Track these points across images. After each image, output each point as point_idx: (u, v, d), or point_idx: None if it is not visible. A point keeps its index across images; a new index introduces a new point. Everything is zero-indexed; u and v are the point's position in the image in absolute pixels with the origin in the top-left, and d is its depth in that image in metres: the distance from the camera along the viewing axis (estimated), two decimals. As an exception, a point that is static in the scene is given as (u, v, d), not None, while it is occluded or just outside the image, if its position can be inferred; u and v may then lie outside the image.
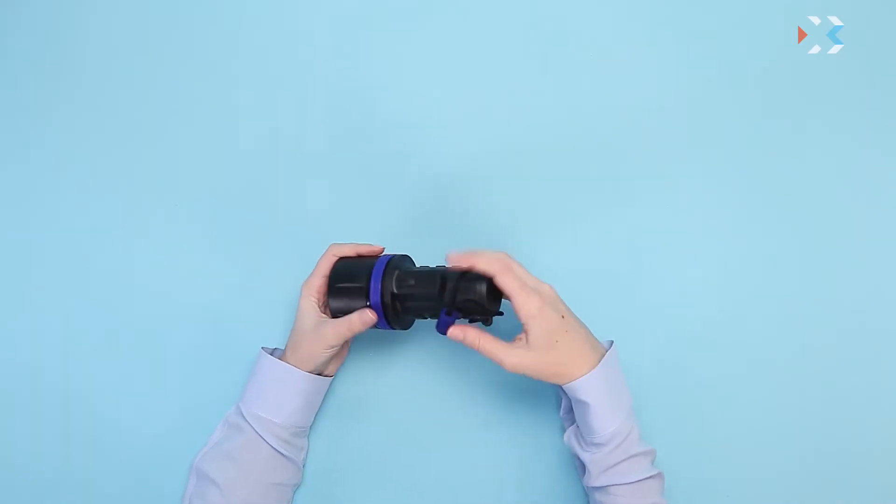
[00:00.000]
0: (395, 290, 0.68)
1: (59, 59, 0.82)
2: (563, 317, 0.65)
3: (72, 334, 0.79)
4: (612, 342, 0.70)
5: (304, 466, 0.74)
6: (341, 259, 0.71)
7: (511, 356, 0.64)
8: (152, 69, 0.82)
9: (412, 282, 0.68)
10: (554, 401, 0.76)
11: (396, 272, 0.69)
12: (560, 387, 0.68)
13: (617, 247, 0.80)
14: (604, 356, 0.66)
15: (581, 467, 0.71)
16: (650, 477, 0.67)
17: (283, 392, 0.70)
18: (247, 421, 0.69)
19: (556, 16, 0.83)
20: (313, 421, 0.75)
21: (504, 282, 0.64)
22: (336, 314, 0.70)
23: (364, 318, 0.68)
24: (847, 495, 0.76)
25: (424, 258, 0.74)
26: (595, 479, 0.67)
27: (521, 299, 0.63)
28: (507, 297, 0.65)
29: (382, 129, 0.82)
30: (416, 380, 0.78)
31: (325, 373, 0.73)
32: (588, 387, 0.65)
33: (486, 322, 0.68)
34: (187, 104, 0.82)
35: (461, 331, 0.66)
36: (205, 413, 0.77)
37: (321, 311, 0.71)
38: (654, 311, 0.78)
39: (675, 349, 0.78)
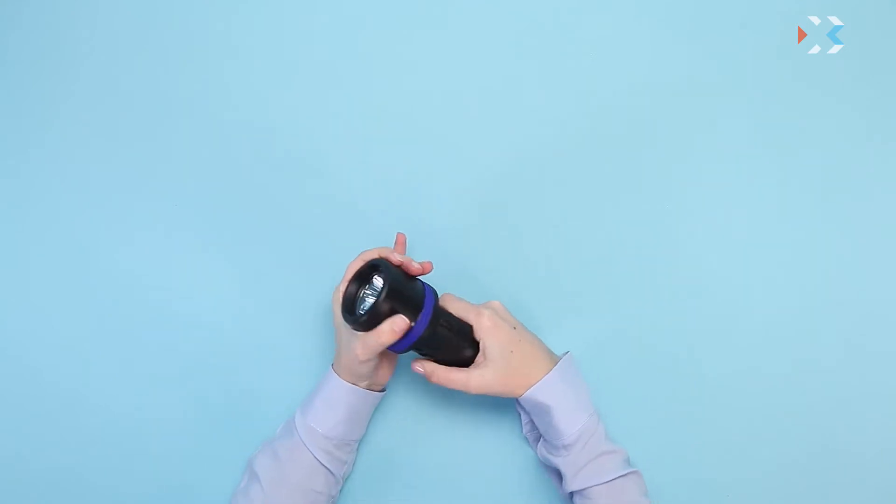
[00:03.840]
0: (436, 324, 0.67)
1: (59, 59, 0.82)
2: (514, 328, 0.69)
3: (72, 334, 0.78)
4: (567, 353, 0.72)
5: (344, 480, 0.74)
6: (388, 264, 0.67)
7: (474, 377, 0.67)
8: (154, 70, 0.82)
9: (450, 328, 0.68)
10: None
11: (438, 308, 0.68)
12: (518, 403, 0.71)
13: (619, 245, 0.80)
14: (558, 362, 0.70)
15: (556, 477, 0.72)
16: (625, 475, 0.68)
17: (329, 402, 0.69)
18: (296, 426, 0.69)
19: (555, 18, 0.83)
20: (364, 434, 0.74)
21: (453, 307, 0.69)
22: (377, 313, 0.64)
23: (395, 326, 0.63)
24: (847, 494, 0.76)
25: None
26: (571, 482, 0.68)
27: (474, 315, 0.68)
28: (463, 319, 0.69)
29: (389, 134, 0.82)
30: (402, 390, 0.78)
31: (374, 387, 0.71)
32: (547, 389, 0.68)
33: None
34: (189, 105, 0.82)
35: (421, 365, 0.68)
36: (206, 413, 0.77)
37: None
38: (656, 309, 0.79)
39: (676, 348, 0.78)
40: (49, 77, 0.82)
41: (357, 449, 0.74)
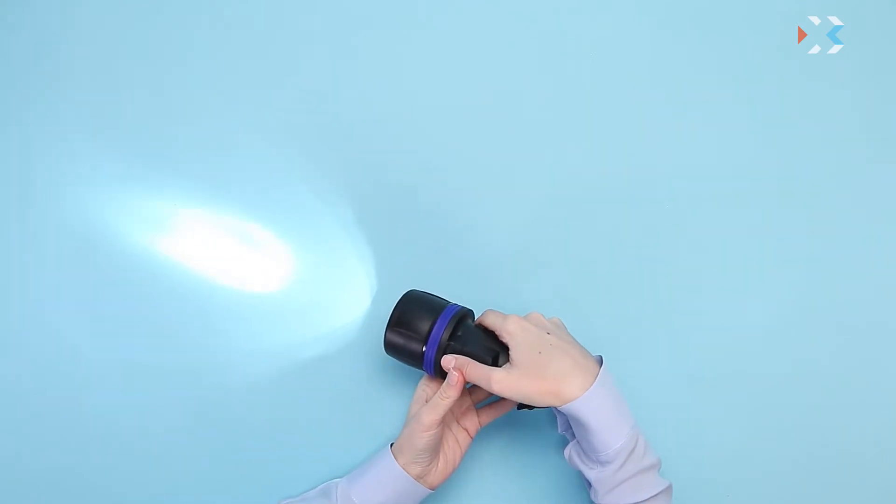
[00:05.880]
0: (454, 344, 0.68)
1: (59, 59, 0.82)
2: (548, 333, 0.66)
3: (72, 334, 0.78)
4: (601, 357, 0.67)
5: None
6: (413, 293, 0.71)
7: (496, 373, 0.64)
8: (154, 70, 0.82)
9: (470, 342, 0.68)
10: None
11: (458, 325, 0.69)
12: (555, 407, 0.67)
13: (617, 245, 0.80)
14: (598, 374, 0.63)
15: (587, 483, 0.69)
16: (660, 493, 0.64)
17: (377, 482, 0.68)
18: (338, 495, 0.68)
19: (555, 18, 0.83)
20: None
21: (487, 321, 0.68)
22: (389, 347, 0.70)
23: (451, 381, 0.66)
24: (847, 494, 0.76)
25: (436, 283, 0.74)
26: (602, 497, 0.64)
27: (500, 321, 0.67)
28: (495, 333, 0.68)
29: (387, 134, 0.81)
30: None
31: (425, 482, 0.69)
32: (586, 407, 0.62)
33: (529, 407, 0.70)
34: (189, 105, 0.82)
35: (451, 359, 0.67)
36: (206, 413, 0.77)
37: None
38: (655, 309, 0.79)
39: (676, 348, 0.78)
40: (49, 77, 0.82)
41: None
